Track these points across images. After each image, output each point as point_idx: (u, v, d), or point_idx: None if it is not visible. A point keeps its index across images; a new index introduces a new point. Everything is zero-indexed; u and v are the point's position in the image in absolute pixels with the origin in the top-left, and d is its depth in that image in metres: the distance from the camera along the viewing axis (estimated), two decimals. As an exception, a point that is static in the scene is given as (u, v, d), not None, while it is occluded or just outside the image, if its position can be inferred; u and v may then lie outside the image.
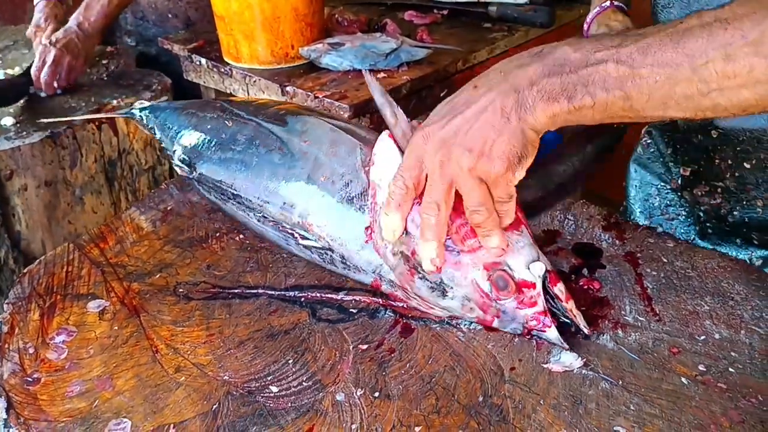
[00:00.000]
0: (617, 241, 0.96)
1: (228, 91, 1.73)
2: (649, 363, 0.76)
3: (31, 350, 0.81)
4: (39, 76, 1.69)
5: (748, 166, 1.01)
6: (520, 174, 0.71)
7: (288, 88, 1.55)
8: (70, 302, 0.88)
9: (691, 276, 0.89)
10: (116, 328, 0.84)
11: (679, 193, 1.14)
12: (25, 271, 0.93)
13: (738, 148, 1.01)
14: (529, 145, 0.69)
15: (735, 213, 1.07)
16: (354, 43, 1.62)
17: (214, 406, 0.73)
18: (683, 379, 0.74)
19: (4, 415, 0.72)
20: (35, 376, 0.77)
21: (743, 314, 0.83)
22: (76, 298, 0.88)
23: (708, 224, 1.12)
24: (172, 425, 0.71)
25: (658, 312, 0.84)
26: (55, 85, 1.71)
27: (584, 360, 0.77)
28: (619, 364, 0.76)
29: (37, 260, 0.95)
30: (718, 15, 0.62)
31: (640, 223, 1.07)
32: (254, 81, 1.63)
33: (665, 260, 0.92)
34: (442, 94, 1.66)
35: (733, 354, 0.77)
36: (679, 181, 1.13)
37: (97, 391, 0.75)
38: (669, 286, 0.88)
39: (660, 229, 0.99)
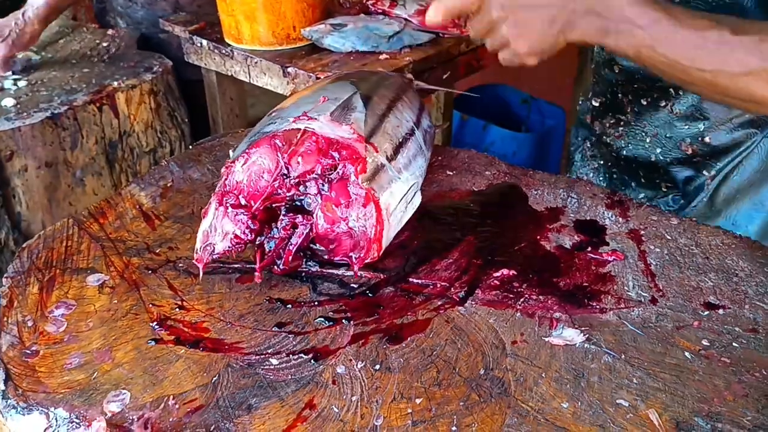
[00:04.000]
0: (620, 219, 0.95)
1: (229, 73, 1.72)
2: (653, 337, 0.76)
3: (30, 323, 0.80)
4: None
5: (644, 102, 1.10)
6: (532, 62, 0.88)
7: (290, 70, 1.54)
8: (70, 276, 0.87)
9: (695, 253, 0.88)
10: (116, 301, 0.83)
11: (591, 129, 1.24)
12: (24, 245, 0.93)
13: (635, 86, 1.10)
14: (556, 48, 0.85)
15: (630, 147, 1.14)
16: (357, 25, 1.61)
17: (214, 378, 0.72)
18: (686, 354, 0.74)
19: (3, 387, 0.72)
20: (34, 348, 0.77)
21: (747, 290, 0.82)
22: (75, 272, 0.88)
23: (614, 168, 1.20)
24: (171, 396, 0.70)
25: (661, 288, 0.83)
26: None
27: (587, 334, 0.76)
28: (622, 338, 0.76)
29: (37, 235, 0.94)
30: (732, 38, 0.75)
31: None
32: (256, 62, 1.62)
33: (669, 237, 0.91)
34: (444, 77, 1.65)
35: (737, 329, 0.77)
36: (593, 113, 1.22)
37: (96, 363, 0.75)
38: (672, 262, 0.87)
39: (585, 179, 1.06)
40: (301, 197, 0.87)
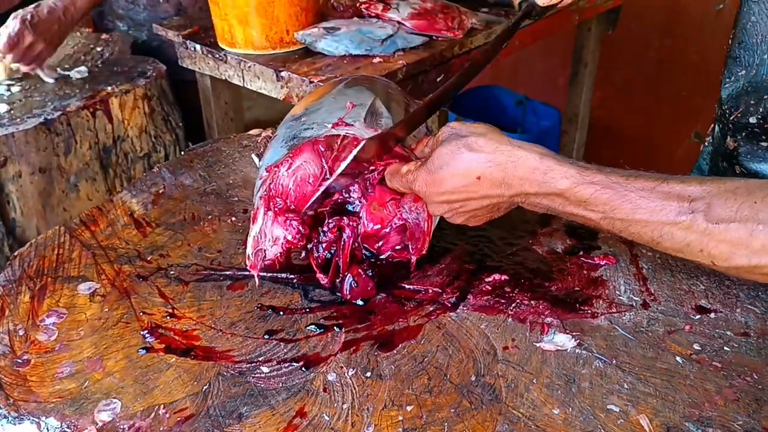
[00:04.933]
0: (613, 222, 0.95)
1: (223, 77, 1.72)
2: (644, 342, 0.76)
3: (21, 332, 0.80)
4: (7, 50, 1.64)
5: None
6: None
7: (283, 74, 1.54)
8: (61, 284, 0.87)
9: (686, 256, 0.88)
10: (107, 310, 0.83)
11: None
12: (15, 253, 0.92)
13: None
14: (501, 213, 0.82)
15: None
16: (350, 28, 1.60)
17: (205, 387, 0.72)
18: (678, 358, 0.74)
19: (-7, 397, 0.72)
20: (25, 357, 0.77)
21: (739, 293, 0.82)
22: (66, 281, 0.88)
23: None
24: (162, 405, 0.70)
25: (653, 292, 0.83)
26: (21, 67, 1.67)
27: (578, 339, 0.76)
28: (613, 343, 0.76)
29: (28, 243, 0.94)
30: (712, 229, 0.66)
31: None
32: (249, 66, 1.61)
33: (661, 241, 0.91)
34: (438, 79, 1.65)
35: (728, 333, 0.77)
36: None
37: (87, 372, 0.75)
38: (664, 266, 0.87)
39: None
40: (345, 201, 0.88)
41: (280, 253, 0.85)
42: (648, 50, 2.57)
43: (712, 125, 1.03)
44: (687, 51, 2.48)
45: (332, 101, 0.94)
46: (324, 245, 0.87)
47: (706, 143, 1.09)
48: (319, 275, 0.85)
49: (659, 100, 2.63)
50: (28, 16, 1.63)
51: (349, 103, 0.91)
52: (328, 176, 0.86)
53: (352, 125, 0.87)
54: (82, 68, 1.76)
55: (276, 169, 0.86)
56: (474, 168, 0.76)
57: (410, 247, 0.86)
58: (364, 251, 0.87)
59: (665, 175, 0.71)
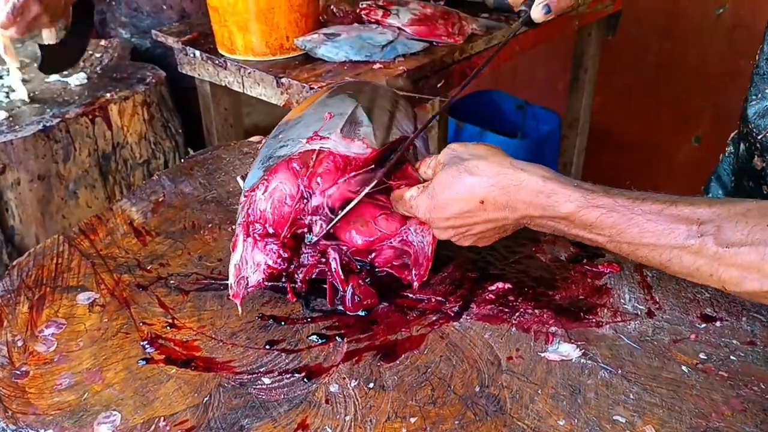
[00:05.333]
0: (616, 230, 0.95)
1: (223, 84, 1.71)
2: (649, 351, 0.75)
3: (19, 343, 0.79)
4: (11, 21, 1.56)
5: None
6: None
7: (283, 80, 1.54)
8: (60, 294, 0.86)
9: (691, 264, 0.87)
10: (106, 320, 0.82)
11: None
12: (14, 263, 0.92)
13: None
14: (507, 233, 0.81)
15: None
16: (350, 34, 1.60)
17: (206, 399, 0.71)
18: (684, 368, 0.73)
19: (-8, 409, 0.71)
20: (24, 369, 0.76)
21: (744, 302, 0.81)
22: (65, 291, 0.87)
23: None
24: (162, 418, 0.69)
25: (658, 300, 0.82)
26: (13, 32, 1.54)
27: (583, 349, 0.75)
28: (618, 352, 0.75)
29: (27, 252, 0.93)
30: (722, 252, 0.64)
31: None
32: (249, 73, 1.61)
33: (665, 248, 0.90)
34: (438, 85, 1.64)
35: (734, 342, 0.76)
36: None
37: (87, 383, 0.74)
38: (669, 275, 0.86)
39: None
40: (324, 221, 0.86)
41: (262, 279, 0.84)
42: (648, 55, 2.57)
43: (733, 135, 1.00)
44: (687, 55, 2.48)
45: (311, 114, 0.92)
46: (304, 270, 0.85)
47: (726, 153, 1.06)
48: (290, 295, 0.85)
49: (659, 105, 2.62)
50: None
51: (327, 113, 0.89)
52: (305, 194, 0.85)
53: (327, 138, 0.85)
54: (81, 75, 1.76)
55: (252, 193, 0.85)
56: (477, 192, 0.75)
57: (414, 272, 0.85)
58: (357, 264, 0.86)
59: (674, 196, 0.69)
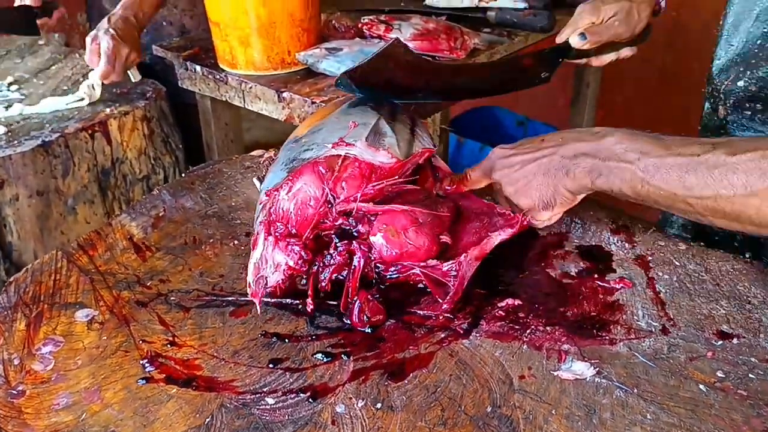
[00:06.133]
0: (627, 245, 0.93)
1: (224, 99, 1.70)
2: (665, 370, 0.73)
3: (16, 361, 0.77)
4: (110, 69, 1.62)
5: None
6: (542, 216, 0.88)
7: (285, 94, 1.52)
8: (58, 311, 0.84)
9: (705, 279, 0.86)
10: (105, 338, 0.80)
11: None
12: (11, 279, 0.89)
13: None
14: (558, 198, 0.85)
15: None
16: (352, 49, 1.59)
17: (207, 420, 0.69)
18: (701, 386, 0.71)
19: (-14, 430, 0.69)
20: (20, 388, 0.74)
21: (762, 318, 0.79)
22: (63, 307, 0.85)
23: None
24: (162, 440, 0.67)
25: (672, 317, 0.80)
26: (114, 78, 1.64)
27: (597, 367, 0.73)
28: (633, 371, 0.73)
29: (24, 268, 0.91)
30: (728, 160, 0.71)
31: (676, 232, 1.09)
32: (250, 87, 1.60)
33: (677, 263, 0.89)
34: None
35: (752, 359, 0.74)
36: None
37: (85, 403, 0.71)
38: (682, 289, 0.84)
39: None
40: (350, 225, 0.85)
41: (282, 280, 0.82)
42: (650, 68, 2.56)
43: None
44: (689, 67, 2.47)
45: (335, 121, 0.92)
46: (331, 269, 0.84)
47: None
48: (309, 300, 0.83)
49: (662, 119, 2.61)
50: (112, 31, 1.62)
51: (352, 122, 0.89)
52: (329, 197, 0.84)
53: (353, 145, 0.85)
54: (80, 92, 1.74)
55: (276, 192, 0.84)
56: (539, 138, 0.86)
57: (450, 293, 0.83)
58: (376, 273, 0.85)
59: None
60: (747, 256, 0.98)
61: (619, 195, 0.80)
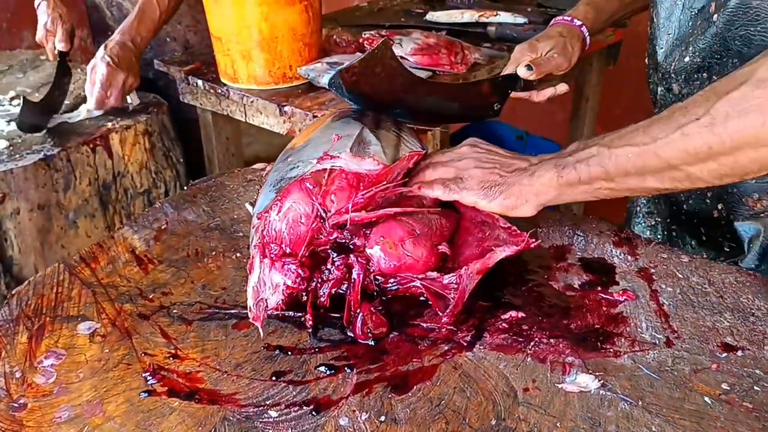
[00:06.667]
0: (629, 257, 0.93)
1: (225, 113, 1.70)
2: (670, 382, 0.73)
3: (18, 374, 0.77)
4: (104, 95, 1.65)
5: None
6: (468, 195, 0.87)
7: (286, 108, 1.53)
8: (60, 324, 0.84)
9: (708, 291, 0.85)
10: (107, 350, 0.80)
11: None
12: (13, 292, 0.89)
13: None
14: (518, 201, 0.85)
15: (690, 201, 1.09)
16: (353, 63, 1.60)
17: (210, 432, 0.68)
18: (706, 399, 0.70)
19: (-13, 444, 0.68)
20: (22, 401, 0.73)
21: (766, 330, 0.79)
22: (65, 320, 0.84)
23: (672, 225, 1.15)
24: (165, 453, 0.66)
25: (676, 329, 0.80)
26: (111, 102, 1.67)
27: (601, 380, 0.73)
28: (638, 383, 0.72)
29: (26, 281, 0.91)
30: (682, 104, 0.74)
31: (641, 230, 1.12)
32: (252, 101, 1.60)
33: (680, 276, 0.88)
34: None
35: (757, 371, 0.73)
36: None
37: (87, 416, 0.71)
38: (686, 302, 0.84)
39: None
40: (345, 239, 0.85)
41: (282, 300, 0.82)
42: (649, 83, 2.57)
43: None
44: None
45: (318, 137, 0.92)
46: (329, 284, 0.84)
47: None
48: (308, 316, 0.82)
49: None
50: (108, 58, 1.64)
51: (335, 135, 0.89)
52: (320, 213, 0.84)
53: (338, 157, 0.85)
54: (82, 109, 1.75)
55: (266, 214, 0.84)
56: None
57: (450, 306, 0.83)
58: (376, 286, 0.85)
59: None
60: (719, 207, 1.03)
61: (587, 186, 0.81)
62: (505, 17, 1.94)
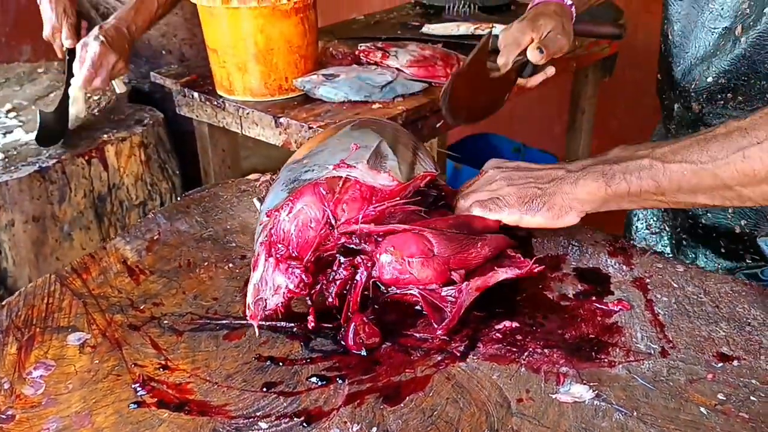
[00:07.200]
0: (624, 267, 0.92)
1: (221, 125, 1.70)
2: (665, 392, 0.72)
3: (6, 385, 0.76)
4: (94, 74, 1.61)
5: None
6: (506, 213, 0.87)
7: (282, 120, 1.53)
8: (50, 335, 0.83)
9: (703, 301, 0.85)
10: (97, 361, 0.79)
11: None
12: (3, 303, 0.88)
13: None
14: (563, 211, 0.84)
15: (709, 215, 1.07)
16: (349, 75, 1.60)
17: (200, 444, 0.67)
18: (702, 409, 0.69)
19: (-27, 456, 0.67)
20: (9, 413, 0.72)
21: (762, 339, 0.78)
22: (55, 331, 0.84)
23: (683, 234, 1.13)
24: (153, 465, 0.65)
25: (671, 339, 0.79)
26: (97, 83, 1.63)
27: (596, 390, 0.72)
28: (633, 393, 0.72)
29: (17, 292, 0.90)
30: (740, 124, 0.75)
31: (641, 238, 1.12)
32: (248, 113, 1.60)
33: (676, 285, 0.88)
34: (438, 125, 1.64)
35: (753, 381, 0.73)
36: None
37: (75, 428, 0.70)
38: (681, 311, 0.83)
39: (643, 244, 0.97)
40: (353, 243, 0.85)
41: (282, 303, 0.82)
42: (645, 96, 2.57)
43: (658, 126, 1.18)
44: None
45: (336, 143, 0.92)
46: (337, 284, 0.83)
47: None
48: (310, 318, 0.82)
49: (657, 146, 2.62)
50: (102, 38, 1.61)
51: (353, 144, 0.89)
52: (330, 219, 0.83)
53: (355, 167, 0.85)
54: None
55: (276, 213, 0.83)
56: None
57: (445, 319, 0.82)
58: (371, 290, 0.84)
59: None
60: (742, 224, 1.02)
61: (636, 197, 0.80)
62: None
